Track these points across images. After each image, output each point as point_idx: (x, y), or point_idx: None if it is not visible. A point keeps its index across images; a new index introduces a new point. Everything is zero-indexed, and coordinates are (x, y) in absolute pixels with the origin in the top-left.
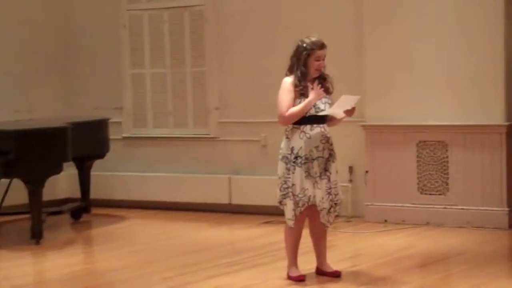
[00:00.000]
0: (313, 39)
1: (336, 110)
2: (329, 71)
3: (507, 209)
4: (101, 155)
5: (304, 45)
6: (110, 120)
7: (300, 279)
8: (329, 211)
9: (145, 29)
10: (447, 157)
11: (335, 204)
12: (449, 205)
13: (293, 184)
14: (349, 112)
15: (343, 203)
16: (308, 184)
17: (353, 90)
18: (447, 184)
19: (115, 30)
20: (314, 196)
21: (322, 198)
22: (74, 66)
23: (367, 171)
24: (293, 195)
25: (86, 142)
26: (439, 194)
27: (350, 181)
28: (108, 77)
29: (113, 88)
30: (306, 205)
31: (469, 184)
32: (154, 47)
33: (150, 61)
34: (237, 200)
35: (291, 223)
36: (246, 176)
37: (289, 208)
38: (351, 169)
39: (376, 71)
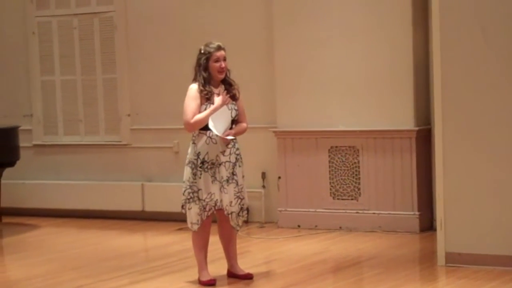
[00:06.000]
0: (210, 44)
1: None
2: (240, 77)
3: (417, 213)
4: (11, 163)
5: (202, 51)
6: (20, 128)
7: (211, 283)
8: (238, 215)
9: (55, 36)
10: (358, 162)
11: (241, 208)
12: (361, 209)
13: (199, 189)
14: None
15: (256, 209)
16: (214, 189)
17: (265, 96)
18: (359, 189)
19: (24, 37)
20: (221, 201)
21: (231, 202)
22: None
23: (279, 177)
24: (199, 199)
25: None
26: (351, 199)
27: (263, 187)
28: (17, 84)
29: (22, 95)
30: (213, 209)
31: (380, 189)
32: (64, 54)
33: (60, 68)
34: (150, 207)
35: (195, 227)
36: (159, 183)
37: (194, 213)
38: (264, 175)
39: (286, 77)
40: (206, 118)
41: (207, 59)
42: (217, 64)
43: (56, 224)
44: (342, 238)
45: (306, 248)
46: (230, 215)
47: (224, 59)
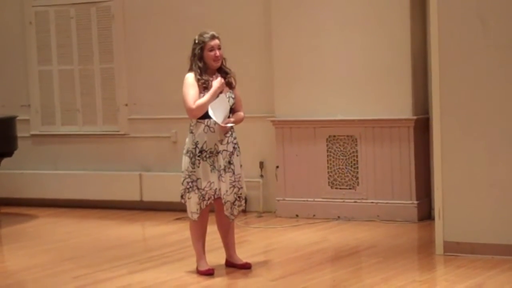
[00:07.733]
0: (204, 33)
1: (217, 111)
2: (238, 67)
3: (416, 202)
4: (9, 153)
5: (196, 41)
6: (18, 118)
7: (209, 273)
8: (233, 204)
9: (52, 26)
10: (356, 151)
11: (239, 197)
12: (359, 199)
13: (198, 178)
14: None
15: (254, 199)
16: (213, 178)
17: (263, 85)
18: (357, 178)
19: (21, 27)
20: (219, 189)
21: (227, 191)
22: None
23: (277, 166)
24: (198, 188)
25: None
26: (349, 188)
27: (261, 176)
28: (14, 74)
29: (20, 85)
30: (212, 198)
31: (378, 178)
32: (61, 43)
33: (58, 57)
34: (148, 197)
35: (195, 216)
36: (157, 173)
37: (194, 202)
38: (262, 164)
39: (284, 66)
40: (208, 101)
41: (202, 49)
42: (212, 53)
43: (54, 214)
44: (340, 228)
45: (304, 237)
46: (225, 204)
47: (219, 48)
